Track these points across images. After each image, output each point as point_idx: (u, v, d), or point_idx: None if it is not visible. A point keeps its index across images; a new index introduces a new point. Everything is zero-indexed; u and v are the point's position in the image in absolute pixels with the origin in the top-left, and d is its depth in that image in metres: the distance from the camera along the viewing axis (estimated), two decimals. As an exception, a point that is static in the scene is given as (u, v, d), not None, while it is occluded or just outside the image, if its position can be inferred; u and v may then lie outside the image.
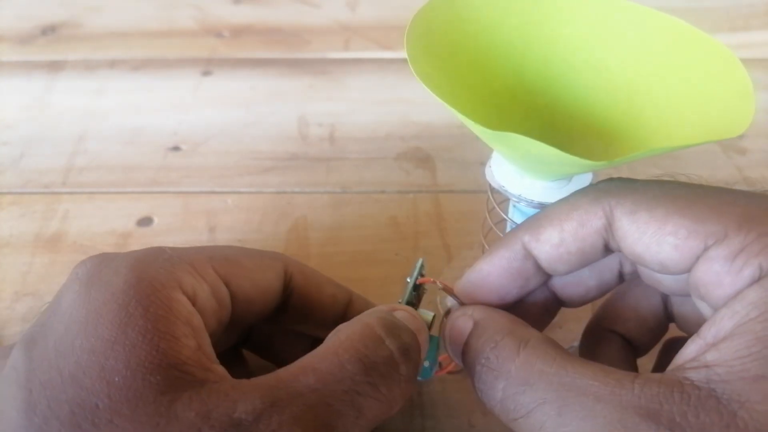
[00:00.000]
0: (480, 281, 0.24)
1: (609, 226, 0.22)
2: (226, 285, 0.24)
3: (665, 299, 0.25)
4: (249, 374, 0.29)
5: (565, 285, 0.25)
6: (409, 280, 0.26)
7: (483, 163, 0.44)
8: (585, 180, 0.26)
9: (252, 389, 0.20)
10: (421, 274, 0.27)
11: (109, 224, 0.39)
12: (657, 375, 0.19)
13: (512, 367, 0.21)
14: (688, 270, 0.21)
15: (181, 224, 0.39)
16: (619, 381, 0.19)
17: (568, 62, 0.26)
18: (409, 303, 0.26)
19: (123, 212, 0.40)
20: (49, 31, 0.56)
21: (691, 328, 0.24)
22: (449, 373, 0.26)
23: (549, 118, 0.27)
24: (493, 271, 0.24)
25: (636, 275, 0.25)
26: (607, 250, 0.23)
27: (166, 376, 0.19)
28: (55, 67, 0.52)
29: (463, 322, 0.24)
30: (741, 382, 0.17)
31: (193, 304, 0.22)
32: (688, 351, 0.19)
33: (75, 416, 0.19)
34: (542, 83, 0.27)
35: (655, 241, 0.21)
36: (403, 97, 0.49)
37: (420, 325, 0.24)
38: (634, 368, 0.26)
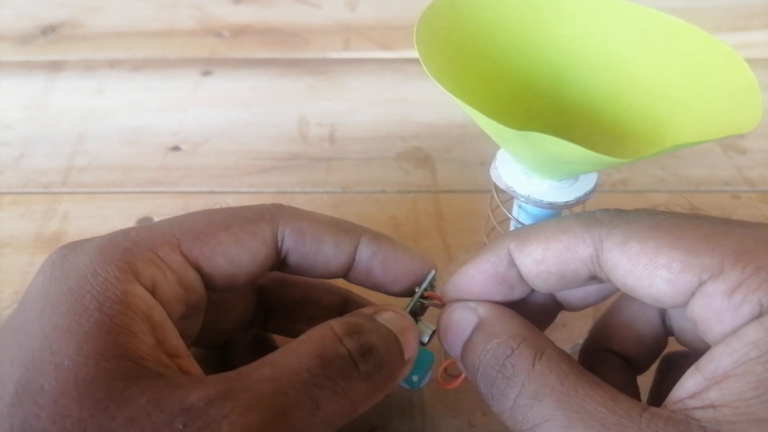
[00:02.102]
0: (465, 285, 0.24)
1: (596, 257, 0.21)
2: (197, 267, 0.23)
3: (662, 313, 0.25)
4: None
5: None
6: (417, 290, 0.26)
7: (483, 163, 0.44)
8: (591, 179, 0.26)
9: (208, 380, 0.20)
10: (431, 286, 0.26)
11: (109, 224, 0.39)
12: (665, 412, 0.19)
13: (525, 379, 0.20)
14: (684, 304, 0.20)
15: (181, 224, 0.39)
16: (627, 413, 0.19)
17: (570, 63, 0.26)
18: (412, 312, 0.26)
19: (123, 212, 0.40)
20: (49, 31, 0.56)
21: (692, 341, 0.24)
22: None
23: (551, 118, 0.27)
24: (479, 275, 0.24)
25: None
26: (593, 279, 0.22)
27: (121, 366, 0.19)
28: (55, 67, 0.52)
29: (465, 315, 0.23)
30: (747, 425, 0.17)
31: (153, 294, 0.21)
32: (689, 385, 0.19)
33: (18, 396, 0.18)
34: (544, 84, 0.27)
35: (647, 275, 0.20)
36: (403, 97, 0.49)
37: (404, 326, 0.24)
38: (635, 389, 0.25)
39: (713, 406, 0.18)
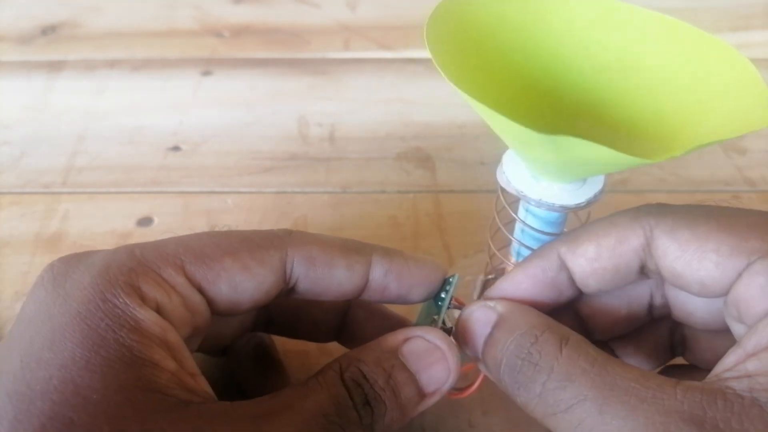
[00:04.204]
0: (512, 290, 0.24)
1: (647, 246, 0.22)
2: (202, 291, 0.23)
3: (652, 291, 0.25)
4: (284, 375, 0.29)
5: (594, 314, 0.25)
6: (444, 295, 0.25)
7: (483, 163, 0.44)
8: (599, 180, 0.26)
9: (237, 417, 0.20)
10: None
11: (109, 224, 0.39)
12: (698, 383, 0.19)
13: (555, 363, 0.21)
14: (726, 292, 0.21)
15: (181, 224, 0.39)
16: (661, 386, 0.19)
17: (575, 64, 0.26)
18: (443, 323, 0.25)
19: (123, 212, 0.40)
20: (49, 31, 0.56)
21: (688, 314, 0.24)
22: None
23: (552, 117, 0.27)
24: (527, 281, 0.24)
25: (665, 308, 0.25)
26: (642, 273, 0.23)
27: (149, 399, 0.19)
28: (55, 67, 0.52)
29: (485, 314, 0.23)
30: None
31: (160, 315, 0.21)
32: (729, 360, 0.19)
33: (46, 428, 0.18)
34: (547, 83, 0.27)
35: (696, 258, 0.21)
36: (403, 97, 0.49)
37: (431, 361, 0.23)
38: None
39: (748, 376, 0.18)
